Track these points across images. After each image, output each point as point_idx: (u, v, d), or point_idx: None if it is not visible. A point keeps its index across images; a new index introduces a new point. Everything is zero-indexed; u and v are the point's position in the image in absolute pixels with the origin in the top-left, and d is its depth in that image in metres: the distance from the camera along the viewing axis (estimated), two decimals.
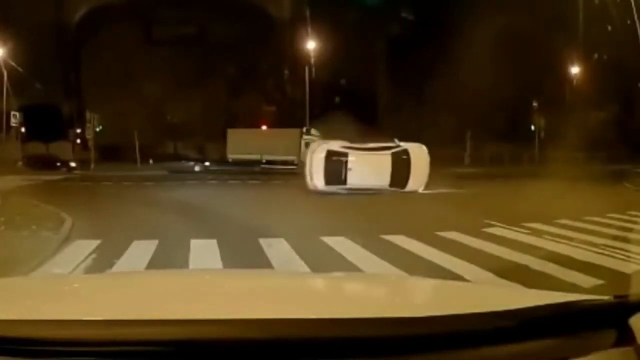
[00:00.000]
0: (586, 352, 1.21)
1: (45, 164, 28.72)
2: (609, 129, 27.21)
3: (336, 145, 17.12)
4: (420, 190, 16.76)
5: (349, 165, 16.59)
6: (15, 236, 7.87)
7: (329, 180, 16.63)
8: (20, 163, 28.81)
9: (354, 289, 2.11)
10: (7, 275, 5.14)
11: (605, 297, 1.37)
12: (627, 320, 1.26)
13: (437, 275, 5.65)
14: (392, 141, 17.54)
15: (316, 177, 16.73)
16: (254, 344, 1.15)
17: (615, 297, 1.36)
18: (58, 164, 29.71)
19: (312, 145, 18.37)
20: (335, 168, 16.61)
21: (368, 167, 16.55)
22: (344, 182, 16.62)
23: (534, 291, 1.93)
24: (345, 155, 16.74)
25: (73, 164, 29.97)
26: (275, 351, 1.15)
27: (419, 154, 16.91)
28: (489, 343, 1.20)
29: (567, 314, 1.29)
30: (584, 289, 5.50)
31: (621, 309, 1.30)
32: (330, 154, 16.74)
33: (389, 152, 16.92)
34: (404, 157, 16.89)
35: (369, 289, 2.14)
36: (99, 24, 29.78)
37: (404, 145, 17.22)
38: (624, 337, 1.25)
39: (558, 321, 1.26)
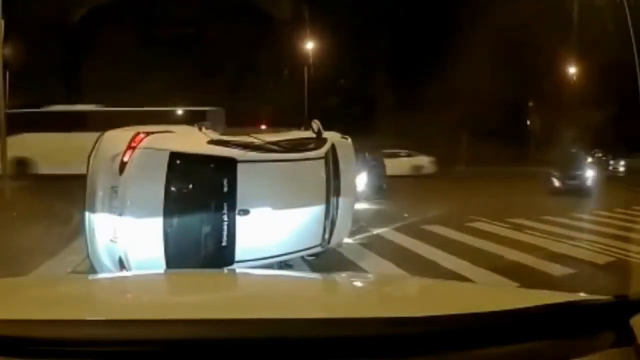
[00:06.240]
0: (586, 352, 1.21)
1: None
2: (606, 128, 27.33)
3: (186, 140, 5.23)
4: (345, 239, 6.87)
5: (240, 199, 5.21)
6: (30, 229, 8.00)
7: (175, 256, 4.85)
8: None
9: (354, 289, 2.11)
10: (18, 268, 5.21)
11: (605, 297, 1.37)
12: (627, 320, 1.26)
13: None
14: (304, 125, 6.62)
15: (129, 247, 4.78)
16: (254, 344, 1.15)
17: (615, 297, 1.36)
18: None
19: (105, 143, 5.20)
20: (194, 214, 5.10)
21: (284, 201, 5.62)
22: (227, 256, 5.17)
23: (534, 291, 1.93)
24: (228, 165, 5.21)
25: None
26: (276, 351, 1.15)
27: (345, 156, 6.54)
28: (489, 343, 1.20)
29: (567, 314, 1.29)
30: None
31: (621, 309, 1.30)
32: (178, 167, 4.98)
33: (320, 151, 6.04)
34: (334, 162, 6.39)
35: (369, 289, 2.14)
36: (99, 24, 29.78)
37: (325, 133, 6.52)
38: (624, 337, 1.25)
39: (558, 321, 1.26)
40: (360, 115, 29.53)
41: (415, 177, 20.82)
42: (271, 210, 5.41)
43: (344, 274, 2.75)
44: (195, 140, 5.22)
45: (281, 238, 5.53)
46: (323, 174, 5.99)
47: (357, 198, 7.42)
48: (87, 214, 5.07)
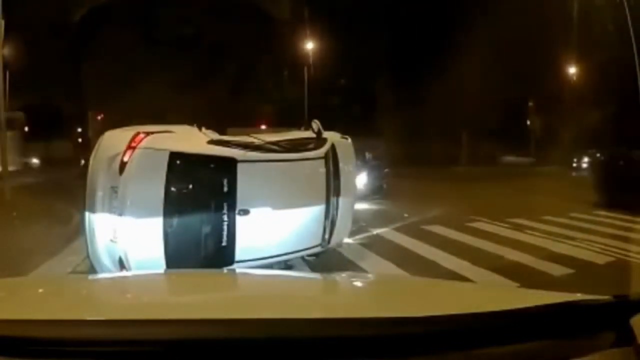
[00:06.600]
0: (586, 352, 1.21)
1: None
2: (606, 128, 27.33)
3: (186, 140, 5.23)
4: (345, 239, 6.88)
5: (240, 199, 5.20)
6: (30, 229, 8.02)
7: (175, 256, 4.83)
8: None
9: (354, 289, 2.11)
10: (18, 268, 5.22)
11: (605, 297, 1.37)
12: (627, 320, 1.26)
13: None
14: (304, 125, 6.95)
15: (128, 246, 4.76)
16: (254, 344, 1.15)
17: (615, 297, 1.36)
18: None
19: (105, 143, 5.23)
20: (194, 214, 5.09)
21: (284, 201, 5.61)
22: (227, 256, 5.16)
23: (534, 291, 1.93)
24: (228, 165, 5.21)
25: None
26: (276, 351, 1.15)
27: (345, 155, 6.53)
28: (489, 343, 1.20)
29: (567, 314, 1.29)
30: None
31: (621, 309, 1.30)
32: (178, 167, 4.97)
33: (320, 151, 6.06)
34: (334, 162, 6.34)
35: (369, 289, 2.14)
36: (99, 24, 29.79)
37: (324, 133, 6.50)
38: (624, 337, 1.25)
39: (558, 321, 1.26)
40: (360, 115, 29.53)
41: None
42: (271, 210, 5.42)
43: (344, 274, 2.76)
44: (195, 140, 5.23)
45: (281, 238, 5.53)
46: (323, 174, 5.98)
47: (357, 198, 7.45)
48: (87, 214, 5.06)
